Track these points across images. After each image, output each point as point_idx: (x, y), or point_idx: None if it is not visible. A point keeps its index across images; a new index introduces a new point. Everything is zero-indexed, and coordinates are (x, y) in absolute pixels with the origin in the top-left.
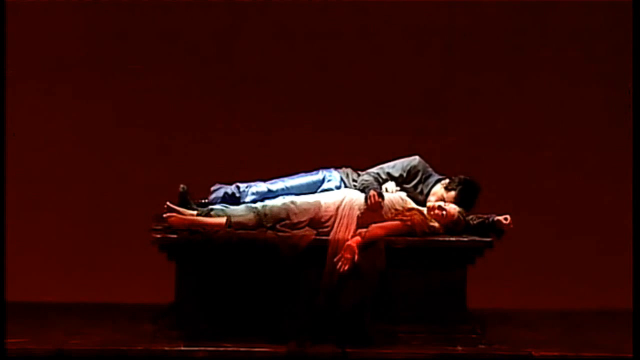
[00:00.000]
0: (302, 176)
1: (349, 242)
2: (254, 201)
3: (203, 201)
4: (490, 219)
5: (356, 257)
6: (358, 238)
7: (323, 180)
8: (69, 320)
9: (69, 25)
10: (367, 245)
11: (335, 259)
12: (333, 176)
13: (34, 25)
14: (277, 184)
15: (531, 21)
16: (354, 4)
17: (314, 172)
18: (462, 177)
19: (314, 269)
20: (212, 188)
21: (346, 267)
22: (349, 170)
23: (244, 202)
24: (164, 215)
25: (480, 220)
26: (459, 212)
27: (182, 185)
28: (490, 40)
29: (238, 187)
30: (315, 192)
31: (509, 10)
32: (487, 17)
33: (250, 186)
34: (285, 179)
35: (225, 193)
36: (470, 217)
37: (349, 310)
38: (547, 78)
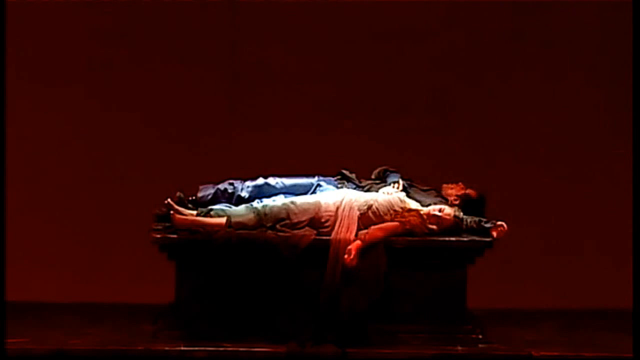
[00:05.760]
0: (298, 177)
1: (349, 247)
2: (250, 194)
3: (191, 198)
4: (484, 225)
5: (355, 260)
6: (359, 242)
7: (318, 184)
8: (69, 320)
9: (69, 25)
10: (367, 249)
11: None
12: (329, 180)
13: (34, 25)
14: (274, 179)
15: (531, 21)
16: (354, 5)
17: (311, 176)
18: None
19: (314, 269)
20: (201, 187)
21: (350, 267)
22: (346, 173)
23: (239, 197)
24: (170, 212)
25: (473, 223)
26: (454, 216)
27: (178, 193)
28: (490, 41)
29: (232, 184)
30: (308, 192)
31: (509, 11)
32: (487, 17)
33: (246, 180)
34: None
35: (218, 189)
36: (468, 219)
37: (352, 313)
38: (547, 78)
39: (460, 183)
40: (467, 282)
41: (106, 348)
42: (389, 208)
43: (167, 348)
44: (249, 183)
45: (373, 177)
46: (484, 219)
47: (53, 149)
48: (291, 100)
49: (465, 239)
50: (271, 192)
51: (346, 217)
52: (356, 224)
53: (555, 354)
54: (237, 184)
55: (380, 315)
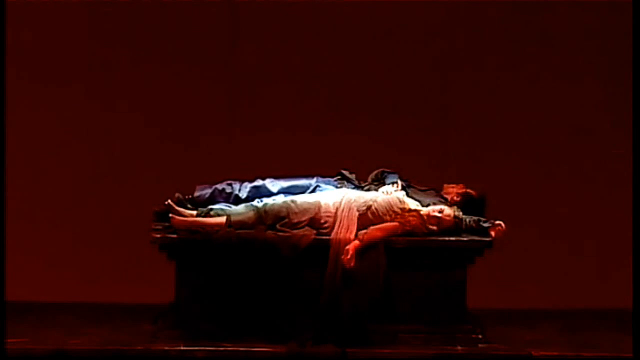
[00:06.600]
0: (297, 178)
1: (347, 247)
2: (248, 195)
3: (187, 197)
4: (483, 225)
5: (353, 261)
6: (357, 242)
7: (316, 185)
8: (69, 320)
9: (69, 25)
10: (367, 249)
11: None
12: (328, 181)
13: (34, 25)
14: (272, 181)
15: (531, 21)
16: (354, 5)
17: (310, 177)
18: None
19: (314, 269)
20: (198, 187)
21: (347, 267)
22: (346, 173)
23: (237, 197)
24: (170, 215)
25: (473, 223)
26: (454, 216)
27: (177, 195)
28: (490, 41)
29: (230, 184)
30: (307, 193)
31: (509, 10)
32: (487, 17)
33: (244, 182)
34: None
35: (216, 189)
36: (468, 219)
37: (353, 314)
38: (547, 78)
39: (461, 184)
40: (467, 282)
41: (106, 348)
42: (388, 209)
43: (167, 348)
44: (247, 184)
45: (370, 180)
46: (483, 219)
47: (53, 149)
48: (291, 101)
49: (465, 239)
50: (270, 193)
51: (345, 218)
52: (356, 225)
53: (555, 354)
54: (236, 184)
55: (380, 315)
